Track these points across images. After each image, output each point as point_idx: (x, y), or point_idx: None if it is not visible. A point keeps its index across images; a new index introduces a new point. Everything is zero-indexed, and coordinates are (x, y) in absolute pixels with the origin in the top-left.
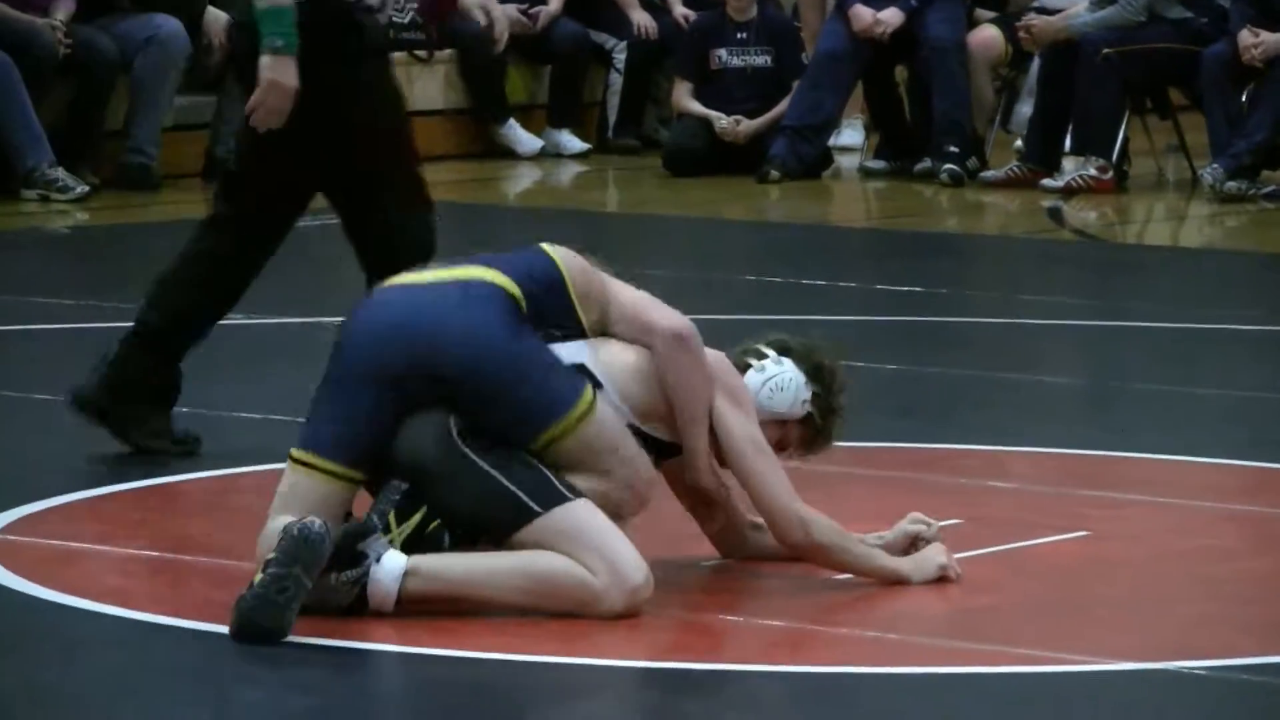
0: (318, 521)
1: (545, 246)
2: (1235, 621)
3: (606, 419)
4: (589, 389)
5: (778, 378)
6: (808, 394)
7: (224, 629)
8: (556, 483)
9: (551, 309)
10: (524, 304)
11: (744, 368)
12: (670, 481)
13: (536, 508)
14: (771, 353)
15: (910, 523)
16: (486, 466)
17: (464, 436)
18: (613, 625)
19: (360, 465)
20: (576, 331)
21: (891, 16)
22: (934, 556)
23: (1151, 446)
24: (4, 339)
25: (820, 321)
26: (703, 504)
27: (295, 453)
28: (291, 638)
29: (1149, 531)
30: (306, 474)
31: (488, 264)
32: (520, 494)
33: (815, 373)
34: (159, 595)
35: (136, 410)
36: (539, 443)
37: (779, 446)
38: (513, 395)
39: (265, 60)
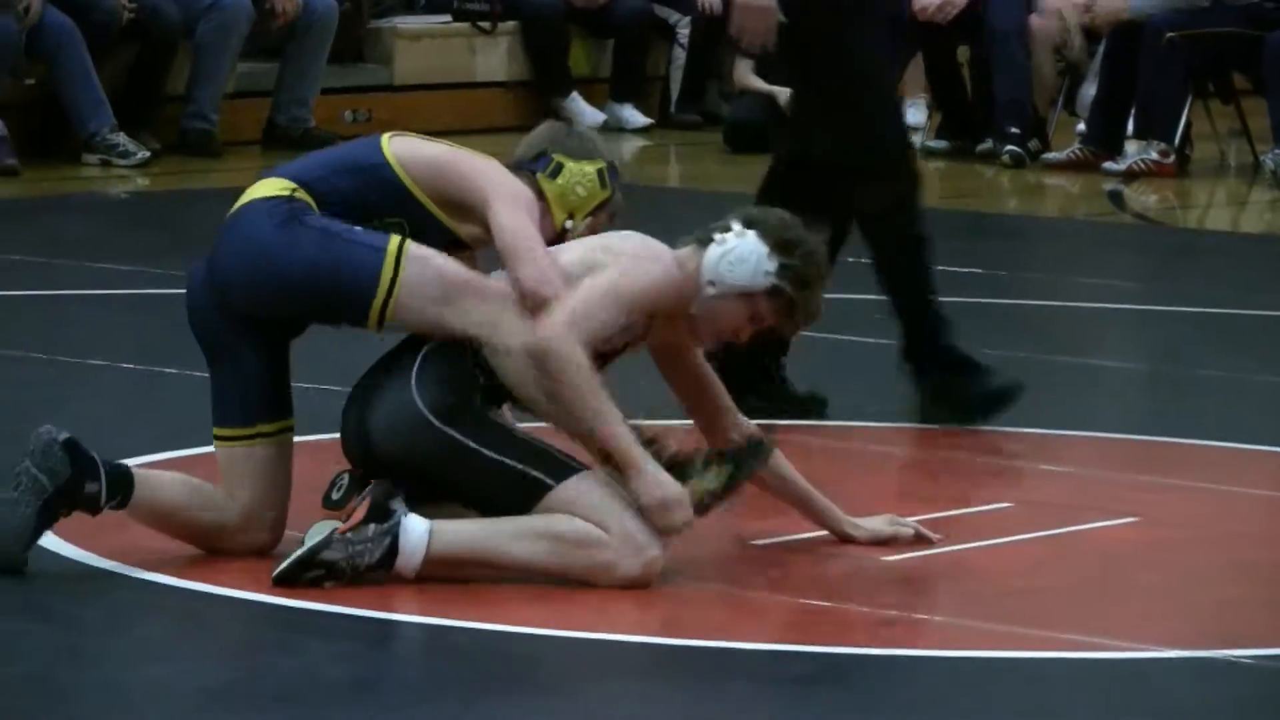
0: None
1: (384, 140)
2: (1277, 609)
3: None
4: (392, 240)
5: (737, 249)
6: (771, 265)
7: (266, 597)
8: (558, 454)
9: (383, 202)
10: (294, 194)
11: (707, 242)
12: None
13: (549, 481)
14: (737, 225)
15: (888, 524)
16: (483, 449)
17: (445, 419)
18: (631, 599)
19: (268, 418)
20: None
21: None
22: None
23: (1207, 433)
24: (62, 304)
25: (875, 302)
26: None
27: (216, 430)
28: (332, 607)
29: (1200, 518)
30: (221, 448)
31: (278, 173)
32: (529, 470)
33: (782, 246)
34: (203, 562)
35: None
36: (372, 324)
37: (751, 322)
38: (318, 293)
39: None
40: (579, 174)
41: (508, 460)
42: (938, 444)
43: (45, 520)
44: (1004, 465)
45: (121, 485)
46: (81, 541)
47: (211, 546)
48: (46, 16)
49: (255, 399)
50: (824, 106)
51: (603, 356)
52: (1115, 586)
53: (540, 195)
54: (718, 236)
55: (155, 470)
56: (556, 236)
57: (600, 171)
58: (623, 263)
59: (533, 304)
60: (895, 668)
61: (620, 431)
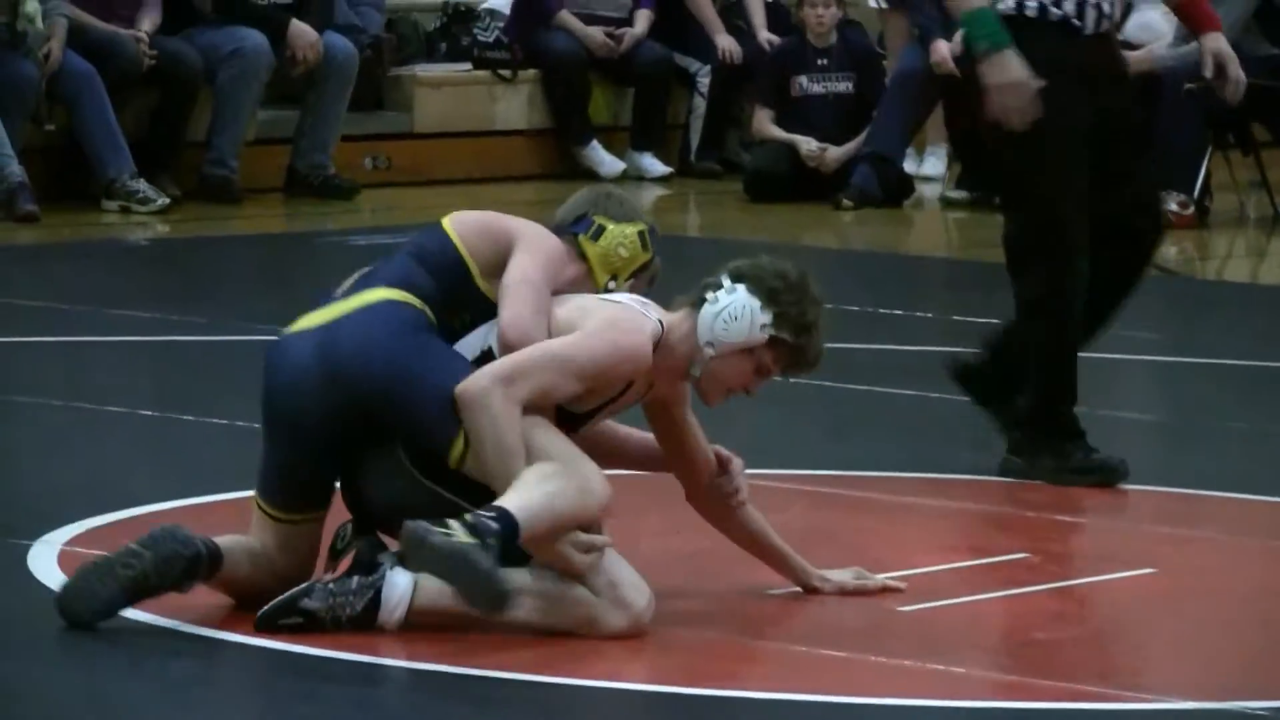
0: (191, 536)
1: (445, 221)
2: None
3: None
4: None
5: (729, 307)
6: (766, 317)
7: (285, 645)
8: None
9: (462, 295)
10: (427, 310)
11: (701, 302)
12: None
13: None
14: (726, 281)
15: (854, 576)
16: (466, 504)
17: (431, 476)
18: (617, 645)
19: (309, 506)
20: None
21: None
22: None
23: (1225, 484)
24: (81, 350)
25: (896, 351)
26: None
27: (255, 495)
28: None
29: (1218, 569)
30: (264, 518)
31: (385, 281)
32: None
33: (774, 295)
34: (219, 609)
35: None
36: (453, 463)
37: (757, 375)
38: (414, 420)
39: (982, 68)
40: (620, 236)
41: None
42: (955, 494)
43: (131, 601)
44: (1021, 515)
45: (210, 573)
46: None
47: (244, 599)
48: (67, 62)
49: (307, 489)
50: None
51: (576, 415)
52: (1133, 637)
53: (582, 257)
54: (709, 295)
55: (227, 543)
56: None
57: (641, 234)
58: (588, 327)
59: (501, 346)
60: (909, 718)
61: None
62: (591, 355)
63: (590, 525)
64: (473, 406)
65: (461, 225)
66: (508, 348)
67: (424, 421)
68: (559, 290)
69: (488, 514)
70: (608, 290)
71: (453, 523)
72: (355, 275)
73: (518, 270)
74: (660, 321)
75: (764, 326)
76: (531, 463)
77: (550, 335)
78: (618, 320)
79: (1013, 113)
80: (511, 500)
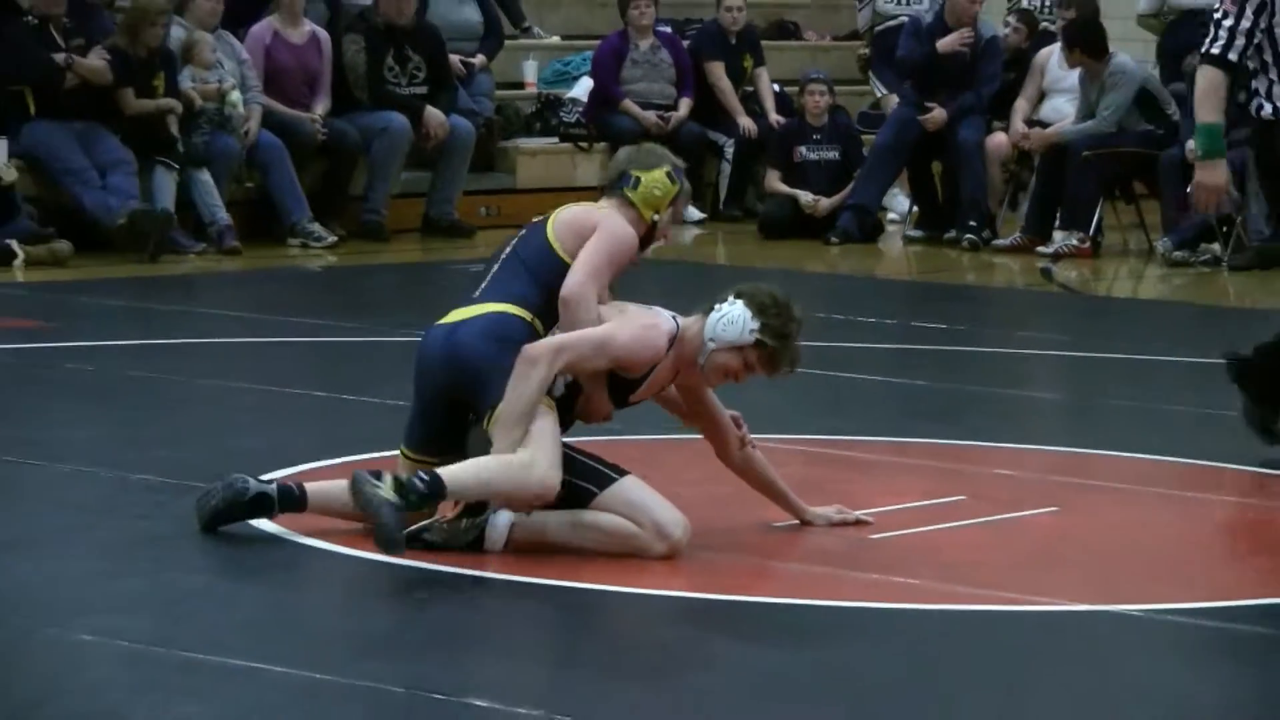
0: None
1: (548, 224)
2: (1164, 576)
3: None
4: None
5: (728, 314)
6: (755, 325)
7: (413, 563)
8: (602, 466)
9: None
10: (534, 321)
11: (710, 310)
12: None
13: (594, 489)
14: (730, 296)
15: (836, 513)
16: None
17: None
18: (659, 564)
19: (430, 452)
20: None
21: (939, 115)
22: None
23: (1115, 446)
24: (270, 349)
25: (867, 349)
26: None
27: (403, 447)
28: (461, 569)
29: (1106, 509)
30: (402, 459)
31: (502, 296)
32: (577, 483)
33: (761, 309)
34: (367, 539)
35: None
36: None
37: (745, 369)
38: (487, 401)
39: (1198, 168)
40: (652, 180)
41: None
42: (911, 454)
43: (216, 523)
44: (961, 469)
45: (290, 506)
46: (285, 523)
47: None
48: (261, 137)
49: (430, 438)
50: None
51: (627, 383)
52: (1041, 558)
53: (630, 205)
54: (716, 305)
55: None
56: (648, 230)
57: (667, 172)
58: (622, 322)
59: (560, 309)
60: (879, 617)
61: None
62: (620, 342)
63: (535, 500)
64: (533, 362)
65: (559, 225)
66: (563, 313)
67: (492, 403)
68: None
69: (424, 476)
70: (653, 223)
71: (388, 477)
72: (487, 276)
73: (587, 251)
74: (677, 323)
75: (752, 331)
76: (526, 428)
77: (598, 320)
78: (645, 321)
79: (1208, 205)
80: (450, 471)
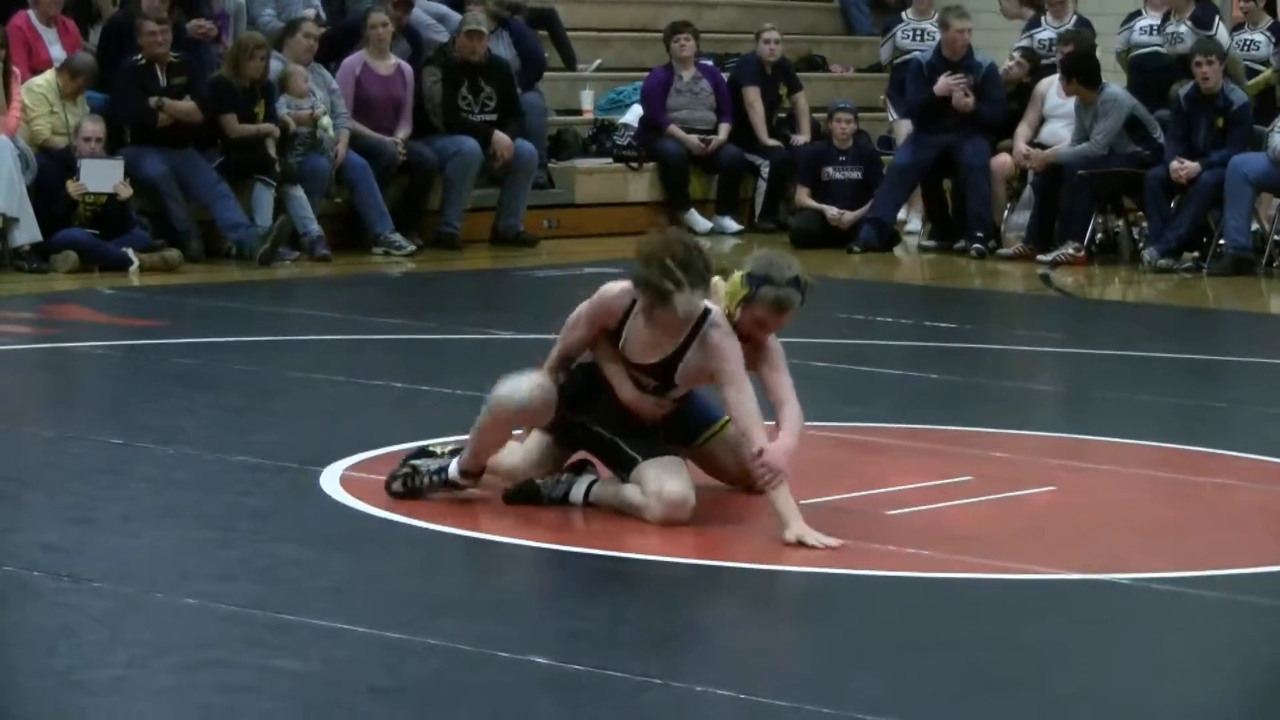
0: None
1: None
2: (1152, 549)
3: None
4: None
5: (733, 278)
6: (748, 286)
7: (477, 534)
8: (657, 444)
9: None
10: None
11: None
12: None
13: (638, 458)
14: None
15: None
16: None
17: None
18: (663, 530)
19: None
20: None
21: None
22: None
23: (1105, 432)
24: (357, 345)
25: (885, 346)
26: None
27: None
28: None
29: (1099, 488)
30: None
31: None
32: (628, 450)
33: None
34: (439, 512)
35: None
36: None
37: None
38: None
39: None
40: (733, 281)
41: (622, 444)
42: (923, 439)
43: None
44: (967, 452)
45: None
46: (366, 499)
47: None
48: (349, 158)
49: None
50: None
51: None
52: (1039, 532)
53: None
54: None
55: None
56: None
57: (743, 276)
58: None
59: None
60: (892, 584)
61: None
62: (582, 309)
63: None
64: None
65: None
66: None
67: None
68: None
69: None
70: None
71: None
72: None
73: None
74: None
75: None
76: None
77: None
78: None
79: None
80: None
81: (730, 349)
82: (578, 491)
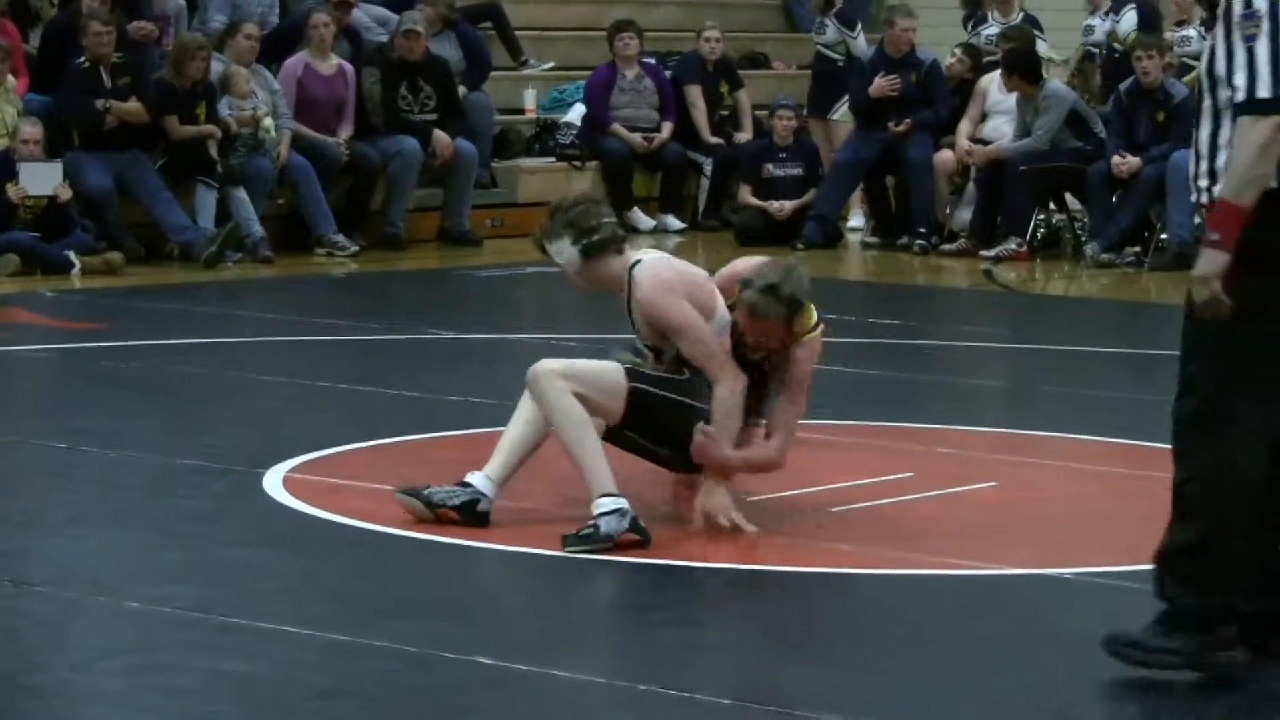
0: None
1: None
2: (1094, 543)
3: None
4: None
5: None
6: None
7: (423, 535)
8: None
9: None
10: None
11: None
12: None
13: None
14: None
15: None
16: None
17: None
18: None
19: None
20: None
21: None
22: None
23: (1047, 427)
24: (300, 346)
25: (829, 343)
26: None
27: None
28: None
29: (1040, 483)
30: None
31: None
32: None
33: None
34: (383, 514)
35: None
36: None
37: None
38: None
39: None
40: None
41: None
42: (865, 435)
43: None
44: (909, 448)
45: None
46: (312, 501)
47: None
48: (291, 159)
49: None
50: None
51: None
52: (981, 527)
53: None
54: None
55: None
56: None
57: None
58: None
59: None
60: (835, 580)
61: None
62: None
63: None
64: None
65: None
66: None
67: None
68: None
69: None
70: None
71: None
72: None
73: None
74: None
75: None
76: None
77: None
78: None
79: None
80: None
81: (657, 299)
82: (485, 506)
